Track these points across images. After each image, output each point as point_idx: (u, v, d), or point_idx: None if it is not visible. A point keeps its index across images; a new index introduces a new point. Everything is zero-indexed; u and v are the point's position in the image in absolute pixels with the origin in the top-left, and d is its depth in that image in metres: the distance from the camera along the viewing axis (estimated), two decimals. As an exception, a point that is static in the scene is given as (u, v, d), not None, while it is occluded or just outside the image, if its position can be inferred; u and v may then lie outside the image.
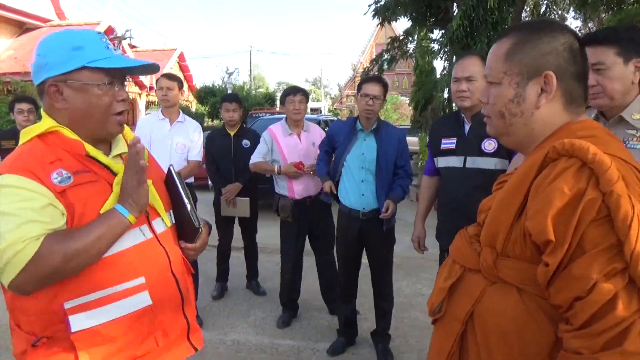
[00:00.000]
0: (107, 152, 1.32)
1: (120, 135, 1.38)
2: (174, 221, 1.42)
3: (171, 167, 1.45)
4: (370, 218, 2.94)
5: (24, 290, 1.12)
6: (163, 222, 1.36)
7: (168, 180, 1.43)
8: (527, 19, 15.30)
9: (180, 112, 3.74)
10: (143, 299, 1.23)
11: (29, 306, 1.16)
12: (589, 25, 15.20)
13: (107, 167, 1.26)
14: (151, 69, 1.41)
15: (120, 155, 1.35)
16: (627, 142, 1.61)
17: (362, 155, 2.96)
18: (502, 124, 1.06)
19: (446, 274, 1.11)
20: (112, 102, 1.26)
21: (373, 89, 2.89)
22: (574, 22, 18.04)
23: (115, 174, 1.26)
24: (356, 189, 2.96)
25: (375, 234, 2.97)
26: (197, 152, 3.67)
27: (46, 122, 1.23)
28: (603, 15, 11.56)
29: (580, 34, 1.10)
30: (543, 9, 13.76)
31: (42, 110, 1.28)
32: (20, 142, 1.25)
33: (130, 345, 1.22)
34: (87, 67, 1.21)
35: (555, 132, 1.01)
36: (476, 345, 1.01)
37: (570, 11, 14.00)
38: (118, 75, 1.27)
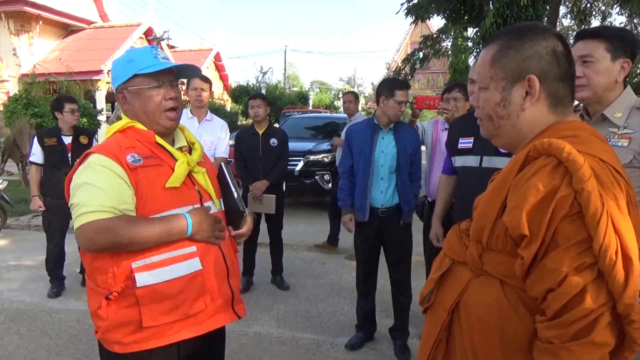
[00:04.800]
0: (171, 145, 1.60)
1: (181, 133, 1.67)
2: (223, 208, 1.69)
3: (222, 164, 1.77)
4: (388, 215, 3.00)
5: (89, 245, 1.37)
6: (214, 206, 1.62)
7: (220, 174, 1.73)
8: (567, 15, 14.82)
9: (208, 111, 3.89)
10: (195, 264, 1.48)
11: (107, 265, 1.41)
12: (634, 21, 14.55)
13: (170, 154, 1.54)
14: (193, 70, 1.74)
15: (180, 148, 1.61)
16: (609, 140, 1.62)
17: (382, 153, 3.01)
18: (491, 126, 1.10)
19: (437, 266, 1.16)
20: (162, 100, 1.52)
21: (406, 95, 2.95)
22: (618, 17, 17.35)
23: (176, 160, 1.53)
24: (375, 186, 3.02)
25: (393, 229, 3.03)
26: (223, 149, 3.81)
27: (124, 120, 1.55)
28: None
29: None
30: (584, 4, 13.30)
31: (121, 113, 1.60)
32: (106, 137, 1.56)
33: (184, 304, 1.45)
34: (137, 74, 1.50)
35: (541, 132, 1.04)
36: (461, 333, 1.06)
37: (615, 7, 13.45)
38: (167, 79, 1.54)
